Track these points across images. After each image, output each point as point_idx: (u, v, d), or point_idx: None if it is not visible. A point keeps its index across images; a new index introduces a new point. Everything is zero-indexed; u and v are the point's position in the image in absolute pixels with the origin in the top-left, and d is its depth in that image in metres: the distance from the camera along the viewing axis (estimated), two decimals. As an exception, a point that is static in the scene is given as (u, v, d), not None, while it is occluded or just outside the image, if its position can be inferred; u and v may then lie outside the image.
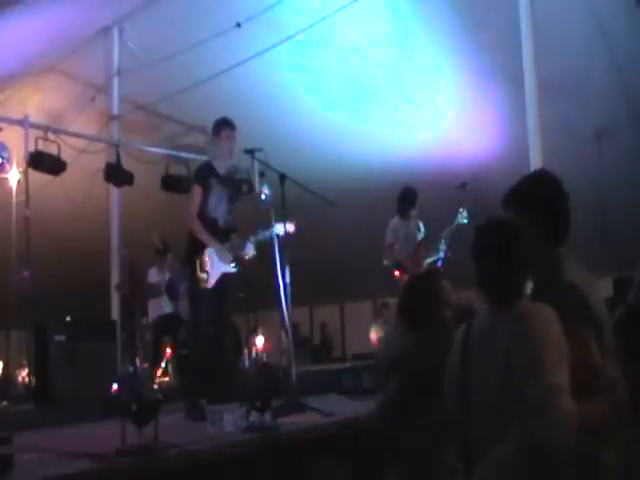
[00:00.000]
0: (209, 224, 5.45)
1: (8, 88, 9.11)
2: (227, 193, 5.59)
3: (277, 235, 5.30)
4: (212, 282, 5.36)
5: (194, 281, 5.43)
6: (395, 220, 7.86)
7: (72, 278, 10.26)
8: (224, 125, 5.59)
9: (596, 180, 7.95)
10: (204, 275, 5.32)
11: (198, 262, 5.33)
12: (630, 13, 6.97)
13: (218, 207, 5.51)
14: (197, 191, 5.47)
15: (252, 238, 5.47)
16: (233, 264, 5.46)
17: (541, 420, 1.96)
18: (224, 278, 5.44)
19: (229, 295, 5.56)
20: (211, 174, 5.54)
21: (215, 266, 5.39)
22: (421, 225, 7.84)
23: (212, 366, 5.39)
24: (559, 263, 2.42)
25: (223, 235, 5.48)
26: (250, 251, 5.48)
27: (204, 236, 5.38)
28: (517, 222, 2.34)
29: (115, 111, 9.60)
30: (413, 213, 7.78)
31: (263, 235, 5.41)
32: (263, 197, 5.44)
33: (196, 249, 5.39)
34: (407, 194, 7.79)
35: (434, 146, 8.78)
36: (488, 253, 2.30)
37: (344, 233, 9.68)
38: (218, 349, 5.51)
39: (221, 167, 5.63)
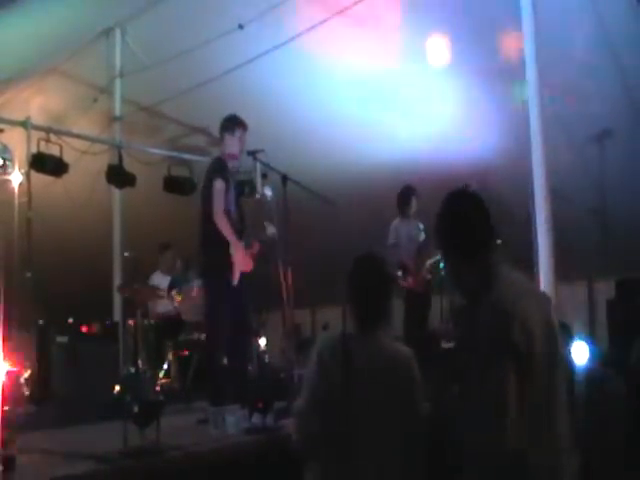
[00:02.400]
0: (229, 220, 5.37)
1: (10, 89, 9.11)
2: (235, 191, 5.57)
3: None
4: (237, 278, 5.32)
5: (218, 280, 5.39)
6: (397, 221, 7.90)
7: (74, 279, 10.25)
8: (240, 126, 5.53)
9: (598, 181, 7.93)
10: (229, 274, 5.27)
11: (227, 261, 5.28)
12: (633, 12, 6.95)
13: (231, 204, 5.46)
14: (221, 186, 5.29)
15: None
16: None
17: None
18: (242, 276, 5.40)
19: (248, 293, 5.49)
20: (226, 170, 5.49)
21: (238, 264, 5.33)
22: (421, 226, 7.85)
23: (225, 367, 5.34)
24: (491, 275, 2.33)
25: (237, 233, 5.41)
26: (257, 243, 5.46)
27: (228, 234, 5.26)
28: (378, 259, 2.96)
29: (117, 112, 9.62)
30: (412, 210, 7.80)
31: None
32: (268, 198, 5.43)
33: (219, 246, 5.28)
34: (403, 193, 7.87)
35: (436, 148, 8.75)
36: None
37: (346, 234, 9.65)
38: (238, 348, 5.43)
39: (231, 165, 5.59)
